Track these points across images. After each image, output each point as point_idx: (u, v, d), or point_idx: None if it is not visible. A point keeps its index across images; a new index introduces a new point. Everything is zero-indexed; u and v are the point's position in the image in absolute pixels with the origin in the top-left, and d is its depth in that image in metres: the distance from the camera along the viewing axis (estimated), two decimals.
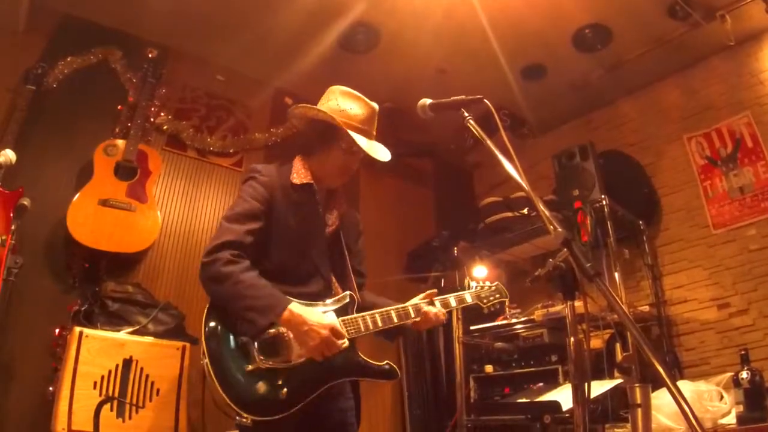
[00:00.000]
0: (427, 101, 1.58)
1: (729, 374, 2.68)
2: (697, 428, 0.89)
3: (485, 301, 1.92)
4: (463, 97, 1.51)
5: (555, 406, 2.52)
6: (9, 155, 2.09)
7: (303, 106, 1.74)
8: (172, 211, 3.27)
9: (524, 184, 1.26)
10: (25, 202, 2.32)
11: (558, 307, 3.11)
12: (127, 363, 2.35)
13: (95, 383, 2.23)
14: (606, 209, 3.21)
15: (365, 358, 1.59)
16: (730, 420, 2.46)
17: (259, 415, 1.36)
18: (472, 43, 3.53)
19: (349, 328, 1.56)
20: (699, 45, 3.59)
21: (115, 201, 2.78)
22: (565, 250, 1.15)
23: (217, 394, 1.36)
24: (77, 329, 2.30)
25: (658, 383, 2.02)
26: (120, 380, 2.29)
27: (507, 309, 3.46)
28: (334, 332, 1.46)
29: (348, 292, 1.65)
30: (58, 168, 2.91)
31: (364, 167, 1.96)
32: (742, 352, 2.61)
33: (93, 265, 2.77)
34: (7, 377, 2.44)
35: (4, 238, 2.30)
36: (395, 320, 1.65)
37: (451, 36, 3.50)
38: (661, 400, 2.32)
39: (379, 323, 1.62)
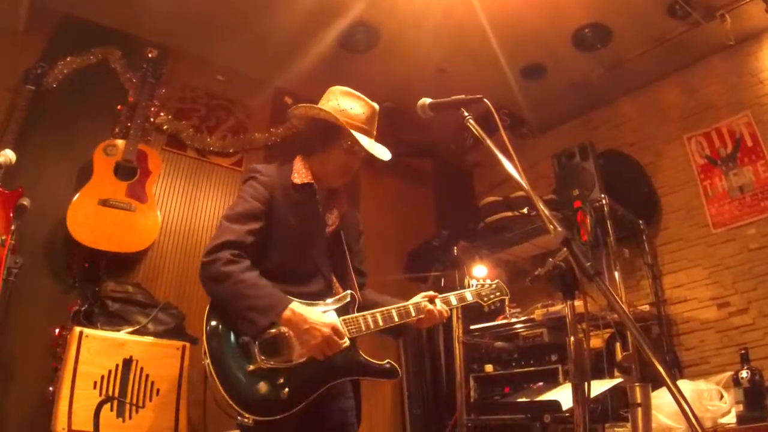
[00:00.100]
0: (427, 101, 1.58)
1: (729, 373, 2.68)
2: (697, 428, 0.89)
3: (486, 299, 1.92)
4: (463, 96, 1.52)
5: (555, 405, 2.52)
6: (9, 155, 2.09)
7: (304, 105, 1.74)
8: (171, 210, 3.27)
9: (524, 183, 1.26)
10: (25, 202, 2.32)
11: (558, 307, 3.11)
12: (127, 363, 2.35)
13: (95, 383, 2.23)
14: (606, 209, 3.21)
15: (366, 357, 1.59)
16: (730, 419, 2.46)
17: (260, 415, 1.36)
18: (471, 42, 3.53)
19: (350, 328, 1.56)
20: (699, 44, 3.59)
21: (115, 201, 2.78)
22: (565, 249, 1.15)
23: (219, 394, 1.36)
24: (77, 329, 2.30)
25: (658, 382, 2.02)
26: (120, 380, 2.29)
27: (507, 308, 3.46)
28: (336, 331, 1.46)
29: (349, 292, 1.65)
30: (58, 168, 2.91)
31: (364, 167, 1.96)
32: (742, 352, 2.62)
33: (93, 265, 2.77)
34: (7, 377, 2.44)
35: (3, 238, 2.30)
36: (396, 319, 1.65)
37: (450, 36, 3.50)
38: (661, 399, 2.32)
39: (380, 322, 1.62)
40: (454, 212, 4.69)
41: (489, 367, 3.51)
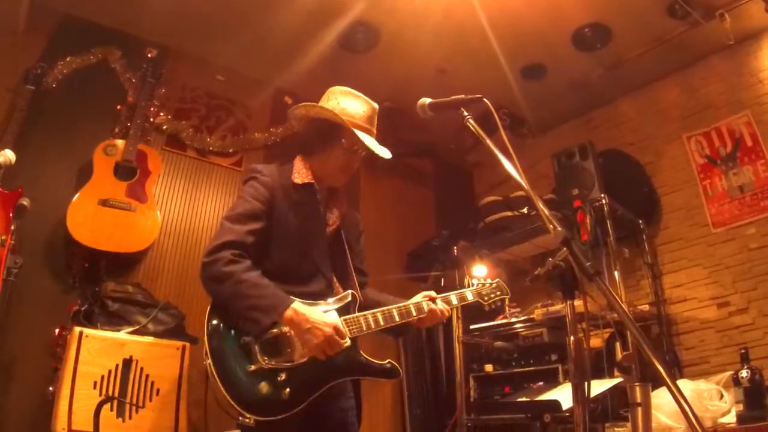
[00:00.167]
0: (427, 101, 1.58)
1: (729, 373, 2.68)
2: (697, 427, 0.89)
3: (486, 298, 1.92)
4: (463, 96, 1.52)
5: (555, 405, 2.52)
6: (8, 155, 2.09)
7: (304, 105, 1.74)
8: (171, 210, 3.27)
9: (524, 183, 1.26)
10: (25, 202, 2.32)
11: (558, 306, 3.11)
12: (127, 363, 2.35)
13: (95, 383, 2.23)
14: (605, 208, 3.21)
15: (367, 357, 1.59)
16: (730, 419, 2.46)
17: (262, 416, 1.36)
18: (471, 42, 3.53)
19: (351, 327, 1.56)
20: (698, 44, 3.59)
21: (114, 201, 2.78)
22: (565, 249, 1.15)
23: (221, 394, 1.36)
24: (77, 329, 2.30)
25: (658, 382, 2.02)
26: (120, 380, 2.29)
27: (507, 308, 3.46)
28: (337, 331, 1.46)
29: (350, 291, 1.65)
30: (58, 168, 2.91)
31: (364, 167, 1.97)
32: (742, 351, 2.62)
33: (93, 265, 2.76)
34: (7, 377, 2.44)
35: (3, 238, 2.30)
36: (397, 319, 1.65)
37: (450, 35, 3.50)
38: (661, 399, 2.32)
39: (381, 322, 1.62)
40: (454, 212, 4.69)
41: (489, 367, 3.51)
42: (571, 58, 3.71)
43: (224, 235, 1.52)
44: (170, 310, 2.75)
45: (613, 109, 4.23)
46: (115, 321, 2.52)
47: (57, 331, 2.52)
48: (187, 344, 2.58)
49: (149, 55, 3.29)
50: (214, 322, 1.46)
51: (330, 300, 1.62)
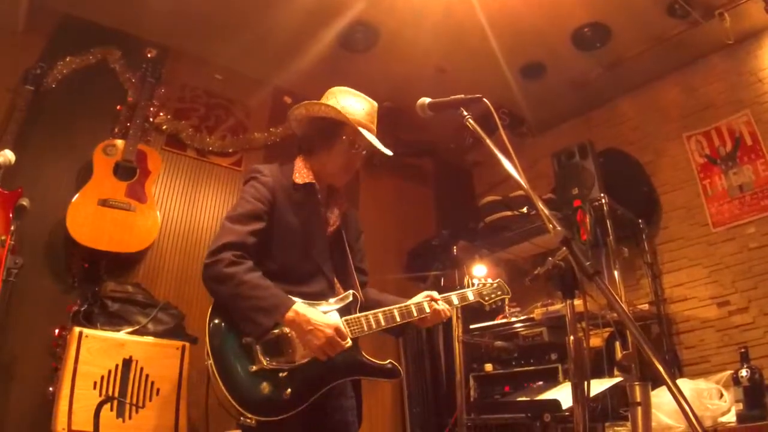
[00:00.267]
0: (427, 100, 1.58)
1: (729, 372, 2.68)
2: (697, 427, 0.89)
3: (487, 298, 1.92)
4: (463, 95, 1.52)
5: (555, 404, 2.52)
6: (8, 155, 2.10)
7: (305, 103, 1.73)
8: (171, 210, 3.27)
9: (524, 182, 1.26)
10: (25, 202, 2.32)
11: (557, 306, 3.11)
12: (127, 363, 2.35)
13: (95, 383, 2.23)
14: (605, 208, 3.21)
15: (368, 358, 1.59)
16: (730, 418, 2.46)
17: (263, 416, 1.36)
18: (471, 41, 3.53)
19: (352, 328, 1.56)
20: (698, 43, 3.59)
21: (114, 201, 2.78)
22: (565, 248, 1.15)
23: (222, 394, 1.36)
24: (77, 329, 2.29)
25: (657, 381, 2.03)
26: (120, 380, 2.29)
27: (507, 308, 3.46)
28: (338, 332, 1.46)
29: (351, 291, 1.65)
30: (58, 168, 2.91)
31: (364, 167, 1.97)
32: (742, 350, 2.61)
33: (93, 265, 2.76)
34: (7, 377, 2.44)
35: (3, 238, 2.30)
36: (398, 319, 1.65)
37: (450, 35, 3.50)
38: (661, 398, 2.32)
39: (382, 322, 1.62)
40: (454, 212, 4.69)
41: (489, 367, 3.51)
42: (570, 57, 3.71)
43: (226, 236, 1.52)
44: (170, 310, 2.75)
45: (613, 108, 4.23)
46: (115, 321, 2.52)
47: (57, 331, 2.52)
48: (187, 344, 2.58)
49: (149, 55, 3.29)
50: (216, 321, 1.46)
51: (331, 300, 1.62)
